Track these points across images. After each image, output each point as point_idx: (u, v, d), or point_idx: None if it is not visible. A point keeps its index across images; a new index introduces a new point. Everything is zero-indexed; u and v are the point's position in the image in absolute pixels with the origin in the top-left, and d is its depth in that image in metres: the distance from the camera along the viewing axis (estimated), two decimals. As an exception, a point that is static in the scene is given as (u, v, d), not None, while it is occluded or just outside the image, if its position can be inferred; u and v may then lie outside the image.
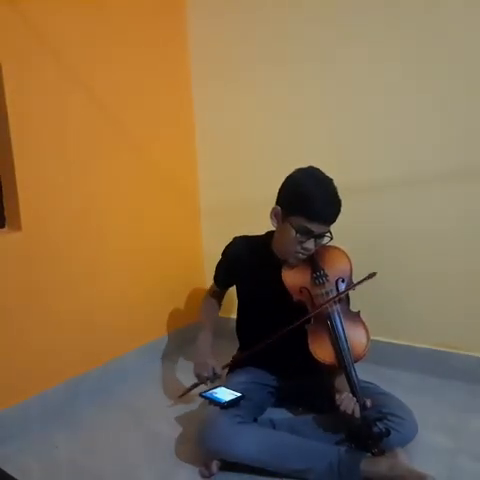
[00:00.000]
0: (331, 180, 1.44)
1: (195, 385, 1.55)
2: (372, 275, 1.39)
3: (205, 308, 1.75)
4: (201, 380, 1.52)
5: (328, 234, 1.44)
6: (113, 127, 1.84)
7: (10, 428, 1.52)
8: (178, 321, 2.18)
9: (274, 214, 1.48)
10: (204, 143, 2.23)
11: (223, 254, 1.67)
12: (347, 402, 1.26)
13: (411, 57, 1.70)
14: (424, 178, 1.75)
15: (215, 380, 1.51)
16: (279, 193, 1.49)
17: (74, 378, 1.72)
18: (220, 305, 1.78)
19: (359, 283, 1.41)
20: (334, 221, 1.42)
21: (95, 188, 1.79)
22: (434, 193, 1.74)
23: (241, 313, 1.66)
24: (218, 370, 1.51)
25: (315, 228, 1.40)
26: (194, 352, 1.60)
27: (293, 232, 1.41)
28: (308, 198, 1.39)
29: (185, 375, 1.92)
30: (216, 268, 1.72)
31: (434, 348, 1.82)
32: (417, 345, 1.85)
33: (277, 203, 1.48)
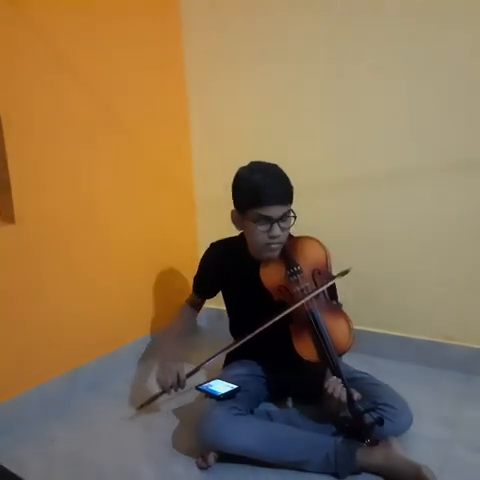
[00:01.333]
0: (274, 165, 1.43)
1: (158, 395, 1.47)
2: (345, 272, 1.38)
3: (181, 314, 1.70)
4: (164, 388, 1.43)
5: (291, 214, 1.41)
6: (107, 119, 1.82)
7: (8, 420, 1.52)
8: (174, 315, 2.17)
9: (232, 218, 1.48)
10: (199, 135, 2.21)
11: (201, 261, 1.66)
12: (334, 385, 1.27)
13: (406, 53, 1.69)
14: (421, 168, 1.74)
15: (178, 389, 1.43)
16: (232, 196, 1.47)
17: (71, 371, 1.72)
18: (197, 313, 1.74)
19: (331, 281, 1.38)
20: (287, 199, 1.39)
21: (90, 181, 1.77)
22: (425, 185, 1.74)
23: (231, 315, 1.65)
24: (182, 376, 1.43)
25: (270, 212, 1.37)
26: (158, 357, 1.53)
27: (252, 225, 1.39)
28: (252, 188, 1.37)
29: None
30: (195, 278, 1.69)
31: (429, 339, 1.82)
32: (412, 336, 1.85)
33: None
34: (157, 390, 1.47)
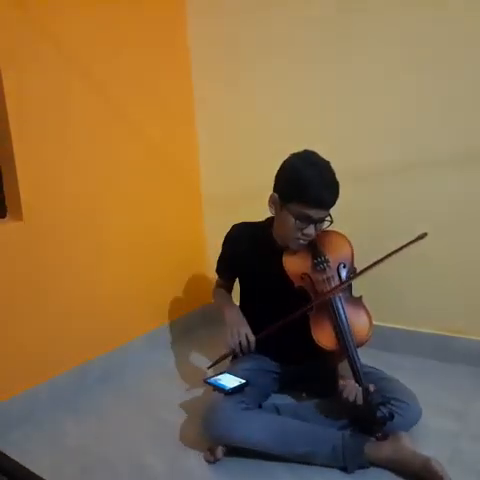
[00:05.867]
0: (327, 163, 1.41)
1: (226, 355, 1.51)
2: (422, 236, 1.32)
3: (219, 294, 1.71)
4: (236, 349, 1.46)
5: (328, 218, 1.43)
6: (114, 114, 1.82)
7: (18, 415, 1.54)
8: (181, 308, 2.19)
9: (272, 202, 1.46)
10: (205, 129, 2.21)
11: (223, 243, 1.66)
12: (350, 389, 1.26)
13: (411, 41, 1.68)
14: (426, 161, 1.73)
15: (250, 348, 1.46)
16: (275, 180, 1.46)
17: (81, 365, 1.74)
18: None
19: (407, 245, 1.34)
20: (333, 205, 1.40)
21: (97, 176, 1.78)
22: (433, 177, 1.73)
23: (243, 300, 1.65)
24: (251, 338, 1.46)
25: (314, 213, 1.38)
26: (224, 324, 1.53)
27: (292, 219, 1.39)
28: (304, 184, 1.36)
29: (188, 362, 1.95)
30: (218, 260, 1.70)
31: (437, 332, 1.82)
32: (420, 330, 1.85)
33: (274, 190, 1.46)
34: (224, 352, 1.52)
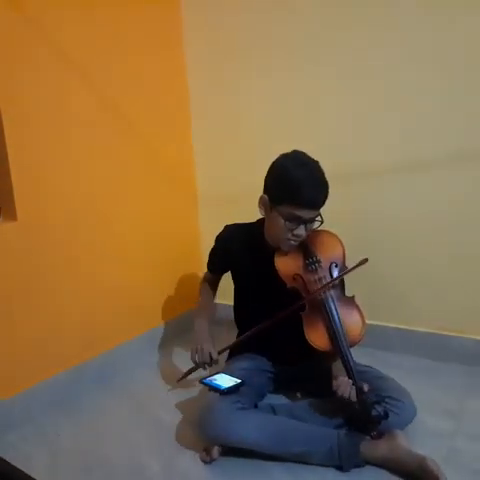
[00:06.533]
0: (316, 163, 1.41)
1: (192, 370, 1.57)
2: (364, 261, 1.36)
3: (202, 295, 1.75)
4: (199, 365, 1.52)
5: (318, 218, 1.42)
6: (110, 114, 1.82)
7: (14, 416, 1.53)
8: (177, 308, 2.19)
9: (262, 203, 1.46)
10: (200, 129, 2.21)
11: (215, 242, 1.67)
12: (343, 387, 1.26)
13: (410, 40, 1.68)
14: (420, 162, 1.73)
15: (212, 365, 1.52)
16: (265, 181, 1.46)
17: (76, 366, 1.73)
18: (215, 291, 1.78)
19: (351, 270, 1.38)
20: (323, 205, 1.39)
21: (92, 176, 1.77)
22: (430, 177, 1.73)
23: (237, 300, 1.66)
24: (214, 355, 1.50)
25: (304, 214, 1.37)
26: (192, 338, 1.60)
27: (282, 220, 1.39)
28: (293, 185, 1.35)
29: (185, 362, 1.93)
30: (209, 256, 1.72)
31: (432, 331, 1.82)
32: (415, 329, 1.85)
33: (264, 192, 1.46)
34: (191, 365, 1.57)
